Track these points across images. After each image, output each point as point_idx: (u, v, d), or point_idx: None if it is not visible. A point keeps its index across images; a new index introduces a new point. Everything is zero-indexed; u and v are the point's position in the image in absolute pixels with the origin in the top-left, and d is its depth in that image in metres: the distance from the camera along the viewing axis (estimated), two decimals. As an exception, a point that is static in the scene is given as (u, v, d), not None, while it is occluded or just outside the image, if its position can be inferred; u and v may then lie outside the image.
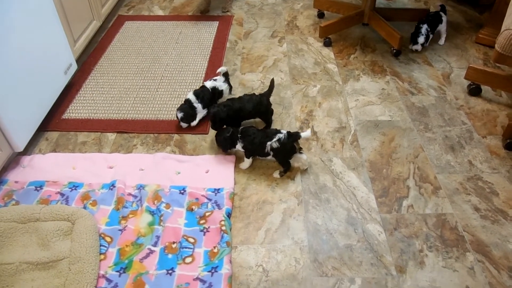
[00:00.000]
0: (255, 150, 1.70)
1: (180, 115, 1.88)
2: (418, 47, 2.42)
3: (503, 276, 1.36)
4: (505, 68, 2.30)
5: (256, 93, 1.90)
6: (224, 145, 1.74)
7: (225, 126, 1.81)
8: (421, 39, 2.39)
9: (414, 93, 2.16)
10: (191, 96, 1.91)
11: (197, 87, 2.04)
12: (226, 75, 2.04)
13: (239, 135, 1.70)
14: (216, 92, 1.97)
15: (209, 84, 1.97)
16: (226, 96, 2.04)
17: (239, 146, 1.72)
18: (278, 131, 1.65)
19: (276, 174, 1.70)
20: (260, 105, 1.86)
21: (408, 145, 1.86)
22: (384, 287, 1.34)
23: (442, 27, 2.48)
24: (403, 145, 1.86)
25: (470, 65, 2.11)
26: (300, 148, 1.69)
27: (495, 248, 1.45)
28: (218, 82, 1.99)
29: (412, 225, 1.53)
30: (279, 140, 1.62)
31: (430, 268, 1.39)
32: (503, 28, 1.65)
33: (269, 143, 1.64)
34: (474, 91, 2.14)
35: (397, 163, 1.77)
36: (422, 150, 1.83)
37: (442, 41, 2.52)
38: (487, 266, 1.39)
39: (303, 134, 1.64)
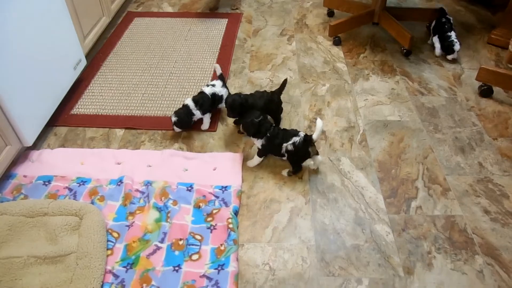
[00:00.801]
0: (271, 149, 1.69)
1: (174, 119, 1.83)
2: (455, 55, 2.34)
3: (513, 280, 1.35)
4: (517, 70, 2.27)
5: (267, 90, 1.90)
6: (248, 130, 1.68)
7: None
8: (457, 47, 2.31)
9: (424, 93, 2.14)
10: (189, 102, 1.85)
11: (205, 85, 2.02)
12: (222, 78, 1.97)
13: (268, 132, 1.65)
14: (216, 98, 1.91)
15: (208, 90, 1.90)
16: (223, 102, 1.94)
17: (258, 142, 1.69)
18: (296, 134, 1.63)
19: (285, 173, 1.69)
20: (271, 102, 1.85)
21: (417, 145, 1.84)
22: (391, 288, 1.33)
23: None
24: (412, 146, 1.84)
25: (482, 66, 2.08)
26: (317, 152, 1.67)
27: (505, 252, 1.43)
28: (217, 88, 1.92)
29: (420, 227, 1.51)
30: (293, 143, 1.60)
31: (438, 270, 1.38)
32: (516, 28, 1.62)
33: (285, 144, 1.62)
34: (486, 92, 2.11)
35: (406, 164, 1.76)
36: (431, 151, 1.81)
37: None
38: (496, 269, 1.38)
39: (315, 133, 1.59)
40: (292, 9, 2.93)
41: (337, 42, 2.52)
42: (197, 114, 1.87)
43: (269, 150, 1.70)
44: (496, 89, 2.13)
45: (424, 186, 1.66)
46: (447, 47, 2.35)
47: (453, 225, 1.52)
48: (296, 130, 1.66)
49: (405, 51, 2.40)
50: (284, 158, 1.67)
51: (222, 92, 1.93)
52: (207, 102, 1.88)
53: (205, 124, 1.92)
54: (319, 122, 1.58)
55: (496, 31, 2.47)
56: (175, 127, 1.87)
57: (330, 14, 2.83)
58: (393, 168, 1.74)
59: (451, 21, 2.41)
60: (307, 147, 1.61)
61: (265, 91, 1.90)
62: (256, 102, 1.83)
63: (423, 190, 1.64)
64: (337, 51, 2.47)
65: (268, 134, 1.65)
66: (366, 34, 2.62)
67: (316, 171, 1.72)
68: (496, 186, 1.66)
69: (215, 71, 2.02)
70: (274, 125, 1.70)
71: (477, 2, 2.93)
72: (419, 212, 1.56)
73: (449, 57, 2.36)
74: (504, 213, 1.55)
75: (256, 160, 1.73)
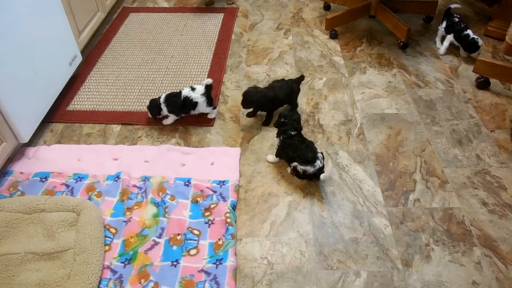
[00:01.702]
0: (283, 157, 1.68)
1: (147, 104, 1.90)
2: (480, 51, 2.28)
3: (510, 271, 1.35)
4: (514, 61, 2.27)
5: (278, 81, 1.94)
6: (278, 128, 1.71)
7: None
8: (480, 42, 2.24)
9: (421, 86, 2.14)
10: (163, 96, 1.86)
11: (202, 79, 2.02)
12: (208, 88, 1.88)
13: (282, 135, 1.65)
14: (187, 102, 1.85)
15: (185, 91, 1.86)
16: (202, 108, 1.89)
17: (277, 141, 1.69)
18: (313, 161, 1.55)
19: (289, 170, 1.68)
20: (292, 93, 1.91)
21: (415, 138, 1.84)
22: (389, 281, 1.33)
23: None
24: (409, 139, 1.84)
25: (479, 58, 2.08)
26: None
27: (502, 243, 1.43)
28: (195, 94, 1.84)
29: (418, 219, 1.51)
30: (305, 171, 1.57)
31: (436, 262, 1.38)
32: (513, 19, 1.62)
33: (296, 164, 1.59)
34: (483, 84, 2.11)
35: (403, 157, 1.75)
36: (429, 144, 1.81)
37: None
38: (494, 261, 1.38)
39: (326, 172, 1.58)
40: (288, 3, 2.91)
41: (333, 36, 2.51)
42: (164, 109, 1.86)
43: (281, 156, 1.69)
44: (493, 81, 2.13)
45: (422, 179, 1.66)
46: (471, 46, 2.25)
47: (451, 218, 1.52)
48: (314, 151, 1.59)
49: (401, 43, 2.39)
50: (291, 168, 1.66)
51: (199, 99, 1.85)
52: (175, 104, 1.86)
53: (167, 120, 1.92)
54: (329, 164, 1.58)
55: (493, 23, 2.46)
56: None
57: (327, 7, 2.82)
58: (390, 161, 1.73)
59: (462, 19, 2.37)
60: (315, 176, 1.59)
61: (283, 80, 1.94)
62: (277, 94, 1.86)
63: (421, 183, 1.64)
64: (334, 45, 2.46)
65: (281, 137, 1.65)
66: (362, 28, 2.61)
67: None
68: (493, 178, 1.66)
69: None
70: (294, 133, 1.64)
71: (474, -6, 2.92)
72: (417, 204, 1.56)
73: (474, 55, 2.29)
74: (502, 205, 1.56)
75: (272, 157, 1.72)
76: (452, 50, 2.38)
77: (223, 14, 2.78)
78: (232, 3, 2.92)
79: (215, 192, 1.59)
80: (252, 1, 2.95)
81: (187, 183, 1.63)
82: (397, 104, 2.02)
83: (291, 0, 2.94)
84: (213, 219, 1.49)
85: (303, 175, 1.60)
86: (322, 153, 1.61)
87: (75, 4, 2.18)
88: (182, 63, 2.33)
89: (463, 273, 1.35)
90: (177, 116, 1.91)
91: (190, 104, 1.86)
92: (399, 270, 1.36)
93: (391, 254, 1.41)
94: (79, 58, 2.18)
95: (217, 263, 1.36)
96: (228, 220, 1.47)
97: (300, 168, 1.58)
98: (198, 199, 1.56)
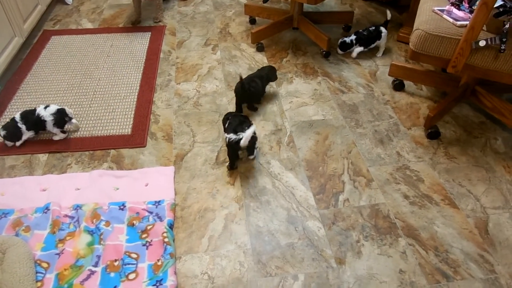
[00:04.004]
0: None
1: (3, 133, 1.84)
2: (354, 49, 2.52)
3: (430, 256, 1.48)
4: (423, 64, 2.49)
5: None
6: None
7: None
8: (348, 38, 2.49)
9: (345, 91, 2.28)
10: (17, 116, 1.86)
11: (131, 100, 1.99)
12: (60, 111, 1.88)
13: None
14: (38, 120, 1.87)
15: (39, 109, 1.87)
16: (50, 128, 1.89)
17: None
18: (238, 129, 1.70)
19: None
20: (240, 90, 2.02)
21: (342, 141, 1.95)
22: (325, 280, 1.40)
23: (382, 41, 2.53)
24: (336, 142, 1.95)
25: (393, 62, 2.26)
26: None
27: (423, 231, 1.56)
28: (46, 112, 1.86)
29: (348, 218, 1.61)
30: (230, 140, 1.70)
31: (367, 256, 1.47)
32: (414, 27, 1.79)
33: (226, 135, 1.74)
34: (398, 86, 2.30)
35: (332, 160, 1.86)
36: (354, 146, 1.93)
37: (380, 54, 2.57)
38: (417, 248, 1.50)
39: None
40: (215, 18, 2.97)
41: (260, 49, 2.59)
42: (23, 128, 1.86)
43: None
44: (407, 83, 2.32)
45: (350, 179, 1.77)
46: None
47: (378, 213, 1.63)
48: (243, 128, 1.71)
49: (324, 52, 2.53)
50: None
51: (46, 118, 1.86)
52: (32, 119, 1.87)
53: (20, 140, 1.90)
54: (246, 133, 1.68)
55: (403, 29, 2.69)
56: (6, 142, 1.88)
57: (252, 21, 2.91)
58: (320, 166, 1.83)
59: (380, 33, 2.51)
60: (236, 145, 1.70)
61: (241, 79, 2.01)
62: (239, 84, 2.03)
63: (349, 183, 1.75)
64: (261, 57, 2.54)
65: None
66: (287, 39, 2.73)
67: (247, 176, 1.76)
68: (412, 172, 1.81)
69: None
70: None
71: (386, 4, 3.16)
72: (346, 204, 1.66)
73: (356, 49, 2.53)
74: (420, 196, 1.70)
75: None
76: (370, 55, 2.56)
77: (150, 33, 2.77)
78: (159, 21, 2.92)
79: (151, 213, 1.58)
80: (179, 18, 2.97)
81: (122, 207, 1.60)
82: (323, 110, 2.14)
83: (217, 15, 3.00)
84: (151, 240, 1.48)
85: (228, 144, 1.70)
86: (251, 132, 1.69)
87: (-12, 30, 2.07)
88: (110, 85, 2.29)
89: (391, 263, 1.45)
90: (35, 133, 1.92)
91: (40, 122, 1.87)
92: (333, 269, 1.43)
93: (325, 254, 1.48)
94: (-3, 87, 2.07)
95: (157, 284, 1.35)
96: (166, 239, 1.47)
97: (226, 136, 1.70)
98: (134, 222, 1.55)
